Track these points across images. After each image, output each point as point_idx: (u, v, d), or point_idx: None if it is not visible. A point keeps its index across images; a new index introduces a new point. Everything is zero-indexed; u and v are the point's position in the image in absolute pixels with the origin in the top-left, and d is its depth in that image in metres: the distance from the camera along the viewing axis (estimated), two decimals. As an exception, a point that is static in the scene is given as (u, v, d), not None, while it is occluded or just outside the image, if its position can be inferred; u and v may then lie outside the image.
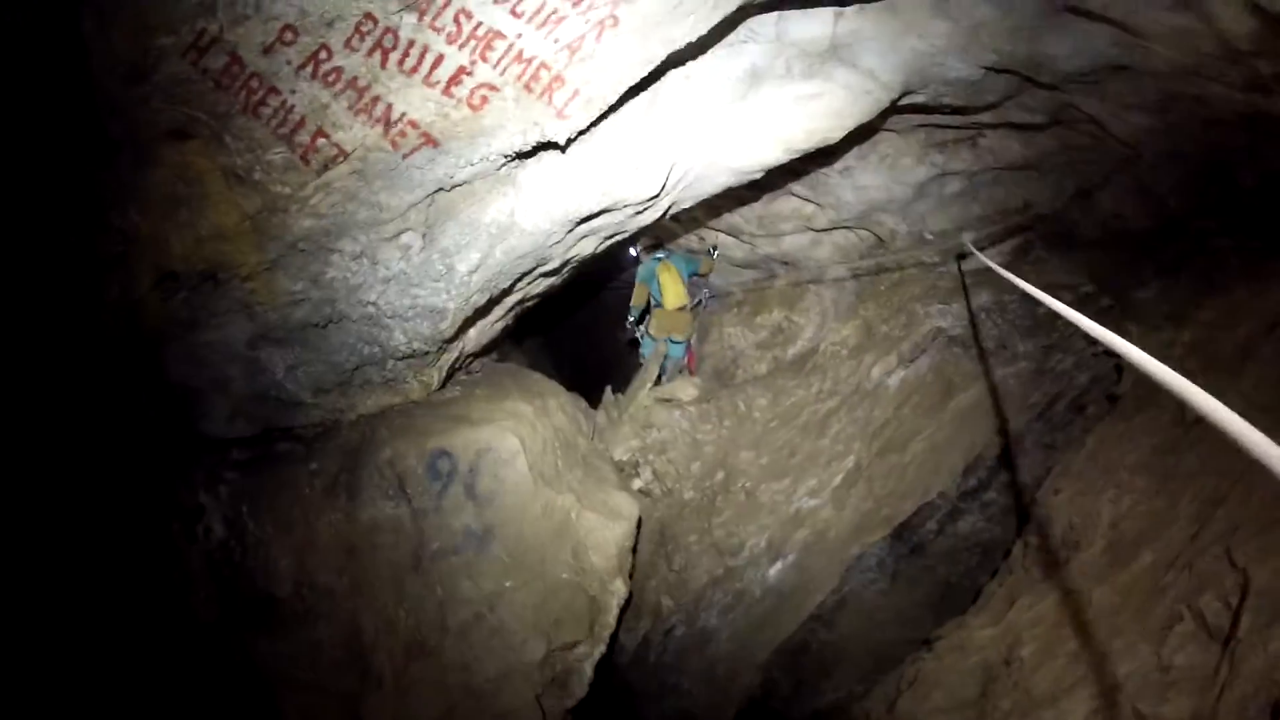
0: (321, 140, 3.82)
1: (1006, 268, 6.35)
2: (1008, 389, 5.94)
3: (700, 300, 8.23)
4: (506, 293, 5.00)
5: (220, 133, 3.86)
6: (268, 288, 4.28)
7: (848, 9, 4.26)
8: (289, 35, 3.62)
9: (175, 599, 4.51)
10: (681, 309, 7.76)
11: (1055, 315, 5.84)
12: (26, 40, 3.92)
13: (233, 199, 4.03)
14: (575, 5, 3.45)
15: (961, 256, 6.26)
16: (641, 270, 7.76)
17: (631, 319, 7.88)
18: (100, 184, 4.10)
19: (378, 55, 3.61)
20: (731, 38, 4.17)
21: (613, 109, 3.94)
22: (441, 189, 4.09)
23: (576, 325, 10.63)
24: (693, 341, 8.16)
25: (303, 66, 3.67)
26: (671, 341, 7.86)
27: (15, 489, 4.28)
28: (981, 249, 6.48)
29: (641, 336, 8.02)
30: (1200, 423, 4.18)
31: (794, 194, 6.45)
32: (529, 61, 3.61)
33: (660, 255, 7.81)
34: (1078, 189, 5.70)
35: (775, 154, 4.75)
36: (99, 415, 4.55)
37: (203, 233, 4.09)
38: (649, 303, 7.83)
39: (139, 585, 4.47)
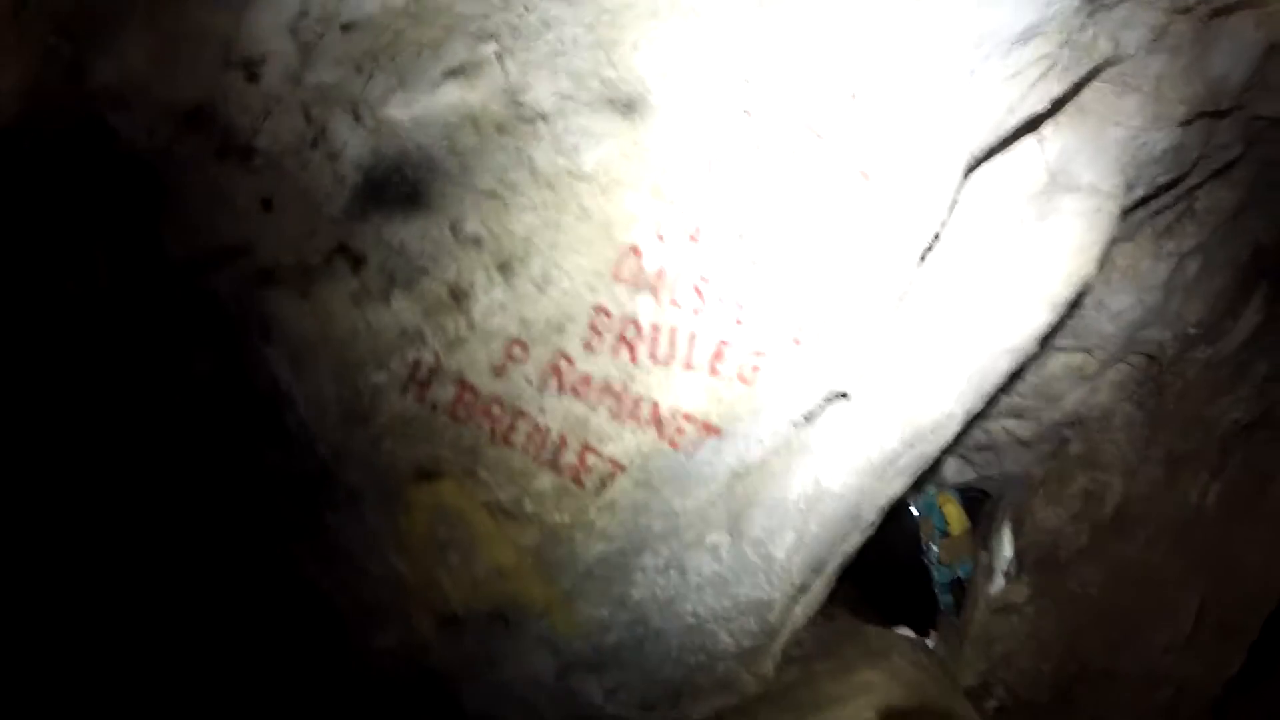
0: (591, 457, 3.49)
1: (1261, 326, 5.84)
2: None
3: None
4: (827, 562, 4.57)
5: (473, 468, 3.60)
6: (567, 620, 3.90)
7: (1044, 129, 3.96)
8: (518, 351, 3.41)
9: None
10: (965, 533, 7.59)
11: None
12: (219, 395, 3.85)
13: (505, 536, 3.72)
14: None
15: None
16: (921, 506, 7.62)
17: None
18: (336, 530, 3.93)
19: (624, 351, 3.34)
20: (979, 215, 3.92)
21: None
22: (737, 476, 3.69)
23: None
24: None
25: (545, 382, 3.42)
26: (962, 565, 7.62)
27: None
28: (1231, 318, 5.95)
29: (934, 567, 7.73)
30: None
31: (1057, 348, 6.06)
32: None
33: (932, 490, 7.64)
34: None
35: (1043, 317, 4.27)
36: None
37: (479, 575, 3.81)
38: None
39: None
